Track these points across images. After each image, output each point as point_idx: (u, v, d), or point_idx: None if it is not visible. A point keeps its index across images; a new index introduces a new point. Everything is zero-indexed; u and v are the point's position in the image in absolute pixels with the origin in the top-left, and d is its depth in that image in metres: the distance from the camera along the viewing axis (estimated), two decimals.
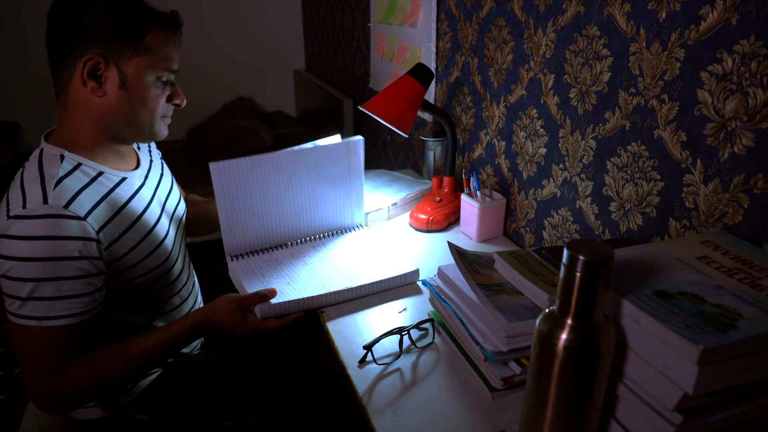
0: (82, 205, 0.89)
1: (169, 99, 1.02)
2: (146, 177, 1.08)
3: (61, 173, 0.91)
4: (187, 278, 1.18)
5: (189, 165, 2.75)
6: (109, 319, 1.00)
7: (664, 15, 0.85)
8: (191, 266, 1.25)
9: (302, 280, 1.09)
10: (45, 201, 0.85)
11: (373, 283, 1.06)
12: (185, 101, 1.05)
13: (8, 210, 0.86)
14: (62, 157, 0.93)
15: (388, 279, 1.07)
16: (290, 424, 1.09)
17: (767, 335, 0.55)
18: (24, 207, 0.84)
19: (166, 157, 1.25)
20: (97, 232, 0.90)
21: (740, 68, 0.75)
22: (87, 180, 0.94)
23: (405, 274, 1.09)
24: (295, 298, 1.01)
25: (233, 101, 3.22)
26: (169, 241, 1.08)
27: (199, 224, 1.32)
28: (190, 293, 1.19)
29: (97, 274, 0.90)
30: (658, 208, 0.92)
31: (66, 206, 0.86)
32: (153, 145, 1.20)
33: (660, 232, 0.92)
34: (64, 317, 0.87)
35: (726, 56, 0.77)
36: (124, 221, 0.96)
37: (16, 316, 0.86)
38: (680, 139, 0.86)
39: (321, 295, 1.02)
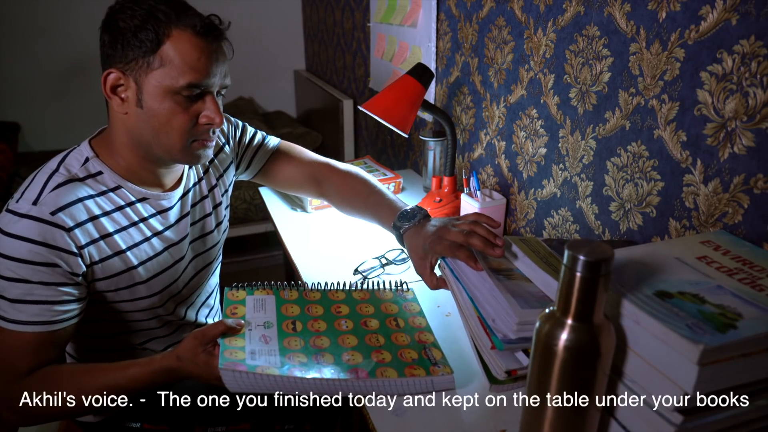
0: (74, 216, 0.84)
1: (199, 119, 0.88)
2: (180, 198, 1.00)
3: (76, 175, 0.87)
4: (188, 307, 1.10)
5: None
6: (98, 335, 0.98)
7: (664, 15, 0.85)
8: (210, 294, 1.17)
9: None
10: (35, 202, 0.82)
11: (399, 381, 0.78)
12: (219, 119, 0.88)
13: (11, 198, 0.85)
14: (87, 160, 0.90)
15: (420, 380, 0.79)
16: (285, 427, 1.08)
17: (767, 335, 0.55)
18: (17, 202, 0.83)
19: None
20: (81, 248, 0.85)
21: (740, 68, 0.75)
22: (99, 191, 0.89)
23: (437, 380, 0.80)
24: (282, 372, 0.75)
25: (233, 101, 3.21)
26: (167, 276, 0.99)
27: None
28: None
29: (74, 284, 0.85)
30: (658, 208, 0.92)
31: (53, 213, 0.82)
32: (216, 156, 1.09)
33: (660, 232, 0.92)
34: (32, 323, 0.82)
35: (726, 56, 0.77)
36: (115, 245, 0.90)
37: None
38: (680, 139, 0.86)
39: (312, 380, 0.75)
